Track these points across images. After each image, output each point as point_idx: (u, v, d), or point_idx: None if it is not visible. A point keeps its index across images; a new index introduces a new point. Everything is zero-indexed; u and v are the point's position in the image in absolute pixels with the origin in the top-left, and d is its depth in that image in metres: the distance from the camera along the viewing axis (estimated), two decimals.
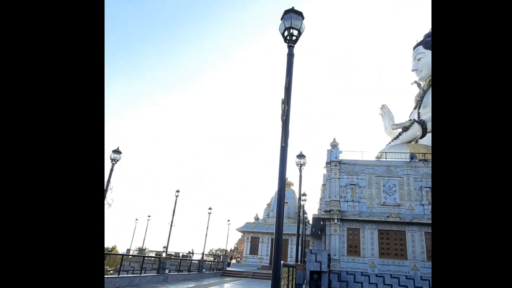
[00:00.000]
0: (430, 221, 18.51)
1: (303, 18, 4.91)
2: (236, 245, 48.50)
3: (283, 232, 25.64)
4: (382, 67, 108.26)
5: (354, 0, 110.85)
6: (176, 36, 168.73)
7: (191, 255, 31.59)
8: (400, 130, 25.50)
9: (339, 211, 20.08)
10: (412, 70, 32.12)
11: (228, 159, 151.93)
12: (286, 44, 5.00)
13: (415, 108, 31.34)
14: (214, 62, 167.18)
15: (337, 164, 21.38)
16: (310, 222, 33.61)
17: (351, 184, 20.76)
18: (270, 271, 23.80)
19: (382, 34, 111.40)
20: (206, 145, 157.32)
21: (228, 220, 27.53)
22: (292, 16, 4.95)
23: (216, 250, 51.29)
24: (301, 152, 10.33)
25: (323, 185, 26.61)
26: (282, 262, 6.44)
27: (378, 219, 19.11)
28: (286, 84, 4.64)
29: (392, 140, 31.78)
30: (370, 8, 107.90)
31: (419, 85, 33.64)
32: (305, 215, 35.23)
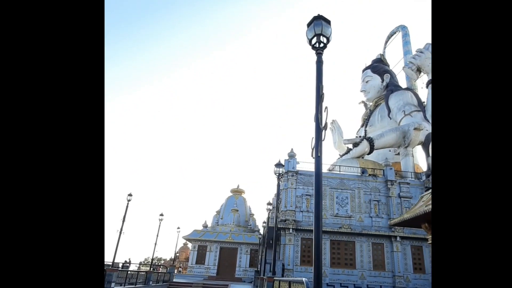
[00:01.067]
0: (377, 233, 19.79)
1: (330, 25, 4.84)
2: (177, 254, 46.18)
3: (232, 240, 25.07)
4: (332, 84, 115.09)
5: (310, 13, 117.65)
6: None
7: (128, 265, 29.23)
8: (350, 145, 27.04)
9: (294, 221, 20.40)
10: (361, 91, 34.60)
11: (182, 162, 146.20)
12: (314, 52, 4.87)
13: (362, 126, 33.68)
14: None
15: (294, 174, 21.79)
16: (261, 231, 33.73)
17: (306, 195, 21.29)
18: (220, 282, 23.03)
19: (335, 53, 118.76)
20: (159, 147, 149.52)
21: (178, 228, 26.07)
22: (322, 24, 4.84)
23: (155, 259, 48.11)
24: (279, 161, 10.22)
25: (276, 194, 26.87)
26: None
27: (331, 230, 19.82)
28: (319, 91, 4.47)
29: (343, 155, 33.69)
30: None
31: (365, 105, 36.34)
32: (255, 224, 35.21)
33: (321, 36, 4.79)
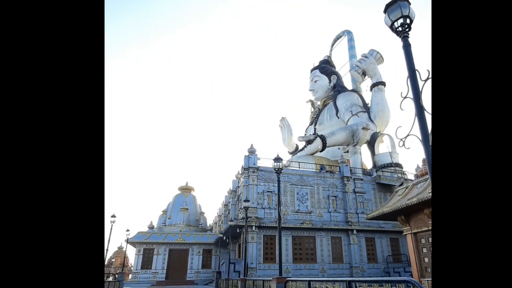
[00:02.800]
0: (336, 227, 20.53)
1: (409, 3, 4.49)
2: (113, 259, 41.85)
3: (183, 241, 23.50)
4: (280, 81, 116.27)
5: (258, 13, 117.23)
6: None
7: None
8: (304, 142, 27.70)
9: (257, 218, 20.01)
10: (310, 90, 35.81)
11: (130, 159, 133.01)
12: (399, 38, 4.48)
13: (311, 124, 34.88)
14: None
15: (255, 170, 21.38)
16: (214, 230, 32.55)
17: (267, 191, 21.06)
18: (170, 287, 21.20)
19: (282, 51, 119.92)
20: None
21: (128, 230, 23.47)
22: (401, 5, 4.47)
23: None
24: (277, 155, 9.62)
25: (233, 191, 26.18)
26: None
27: (294, 226, 19.94)
28: (411, 79, 4.10)
29: (292, 152, 34.43)
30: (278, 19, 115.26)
31: (313, 103, 37.79)
32: (206, 223, 33.85)
33: (406, 18, 4.39)
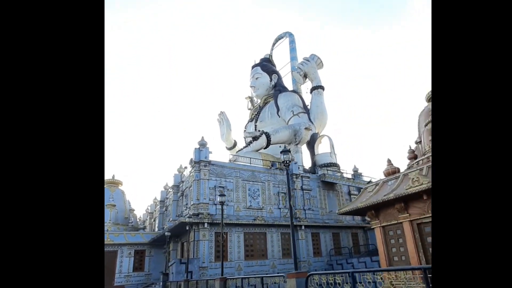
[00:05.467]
0: (286, 223, 20.80)
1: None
2: None
3: (110, 242, 20.93)
4: (216, 77, 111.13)
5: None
6: None
7: None
8: (249, 139, 27.44)
9: (209, 214, 18.88)
10: (251, 86, 35.76)
11: None
12: None
13: (251, 121, 34.82)
14: None
15: (207, 164, 20.19)
16: (148, 229, 29.42)
17: (219, 187, 20.08)
18: None
19: (220, 44, 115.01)
20: None
21: None
22: None
23: None
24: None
25: (175, 186, 24.19)
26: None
27: (246, 222, 19.45)
28: None
29: (233, 147, 33.76)
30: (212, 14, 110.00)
31: (251, 100, 37.86)
32: (136, 221, 30.42)
33: None
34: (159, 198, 28.46)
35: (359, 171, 26.73)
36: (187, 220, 17.98)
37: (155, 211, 29.43)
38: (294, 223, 20.94)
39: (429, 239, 11.08)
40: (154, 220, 29.55)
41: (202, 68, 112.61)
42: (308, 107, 32.12)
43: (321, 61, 32.87)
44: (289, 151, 8.97)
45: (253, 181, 21.35)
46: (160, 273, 21.46)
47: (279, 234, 20.56)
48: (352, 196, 24.47)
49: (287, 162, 8.74)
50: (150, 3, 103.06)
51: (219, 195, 12.79)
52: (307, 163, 29.53)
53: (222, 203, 12.20)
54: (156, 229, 27.68)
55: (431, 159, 11.79)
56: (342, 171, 26.26)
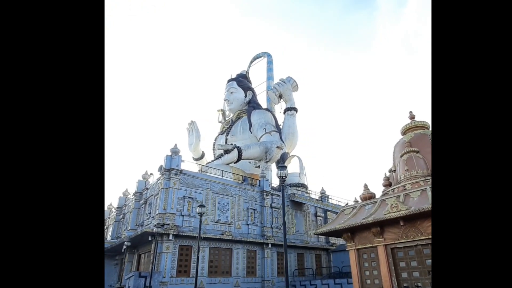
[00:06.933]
0: (253, 240, 20.39)
1: None
2: None
3: None
4: (188, 87, 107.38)
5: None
6: None
7: None
8: (221, 151, 26.95)
9: (175, 225, 17.92)
10: (225, 100, 35.56)
11: None
12: None
13: (222, 134, 34.38)
14: None
15: (178, 173, 19.37)
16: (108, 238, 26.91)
17: (189, 197, 19.28)
18: None
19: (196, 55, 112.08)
20: None
21: None
22: None
23: None
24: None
25: (138, 192, 22.74)
26: None
27: (213, 236, 18.73)
28: None
29: (200, 158, 32.87)
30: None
31: (223, 113, 37.55)
32: None
33: None
34: (115, 205, 26.55)
35: (326, 193, 27.30)
36: (154, 230, 16.85)
37: (109, 218, 27.34)
38: (261, 241, 20.66)
39: (402, 264, 11.44)
40: (107, 228, 27.39)
41: (176, 75, 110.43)
42: (281, 126, 32.59)
43: (297, 84, 33.83)
44: (285, 166, 8.85)
45: (223, 195, 20.81)
46: (109, 287, 19.70)
47: (245, 251, 20.04)
48: (318, 217, 24.82)
49: (284, 177, 8.58)
50: (129, 10, 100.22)
51: (199, 206, 12.20)
52: (275, 182, 29.62)
53: (201, 215, 11.63)
54: (109, 238, 25.60)
55: (409, 187, 12.37)
56: (309, 191, 26.65)
